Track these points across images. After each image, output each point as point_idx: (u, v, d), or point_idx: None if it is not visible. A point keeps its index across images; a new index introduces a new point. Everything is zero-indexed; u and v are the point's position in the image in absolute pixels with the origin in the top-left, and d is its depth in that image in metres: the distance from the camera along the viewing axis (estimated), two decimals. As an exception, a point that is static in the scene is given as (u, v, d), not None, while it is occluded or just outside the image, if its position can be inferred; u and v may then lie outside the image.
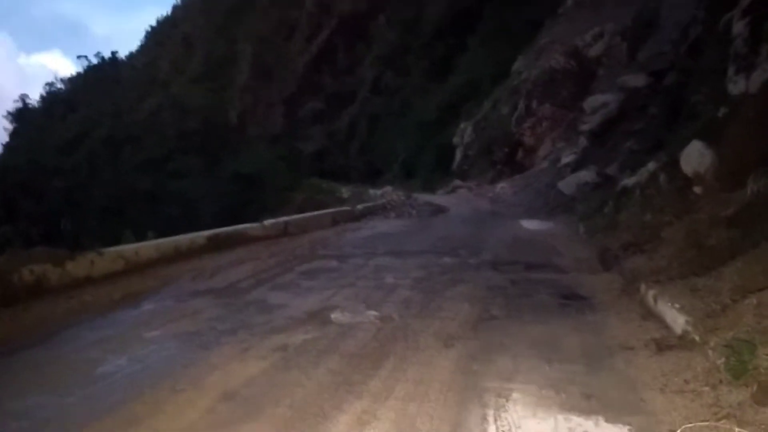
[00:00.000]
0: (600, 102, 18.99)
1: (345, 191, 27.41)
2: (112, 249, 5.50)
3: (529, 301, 4.70)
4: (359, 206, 12.94)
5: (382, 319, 4.09)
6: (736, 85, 6.96)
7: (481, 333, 3.76)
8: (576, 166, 16.81)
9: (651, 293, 4.28)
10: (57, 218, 41.66)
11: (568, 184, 15.61)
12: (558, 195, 15.65)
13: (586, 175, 15.19)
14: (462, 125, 28.00)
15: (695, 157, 6.75)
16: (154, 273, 5.54)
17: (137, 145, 53.75)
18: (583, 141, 18.30)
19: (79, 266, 5.05)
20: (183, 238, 6.53)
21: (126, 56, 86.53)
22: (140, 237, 8.42)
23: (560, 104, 22.88)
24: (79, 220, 43.22)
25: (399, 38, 41.04)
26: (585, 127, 18.52)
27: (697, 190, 6.60)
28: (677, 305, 3.76)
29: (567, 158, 18.49)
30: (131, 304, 4.65)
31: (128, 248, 5.72)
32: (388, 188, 21.57)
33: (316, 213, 10.53)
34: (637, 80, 17.75)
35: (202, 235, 6.80)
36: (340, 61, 50.29)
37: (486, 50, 31.17)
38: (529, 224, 11.55)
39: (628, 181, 8.85)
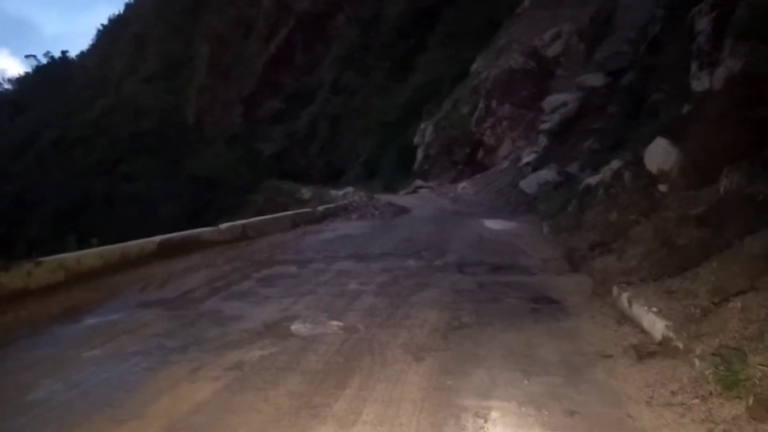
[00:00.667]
0: (559, 101, 19.12)
1: (306, 192, 26.98)
2: (52, 258, 5.06)
3: (499, 306, 4.50)
4: (320, 208, 12.62)
5: (346, 330, 3.82)
6: (700, 82, 6.94)
7: (453, 343, 3.53)
8: (537, 165, 16.86)
9: (625, 296, 4.13)
10: (7, 224, 40.00)
11: (529, 184, 15.63)
12: (520, 194, 15.67)
13: (547, 174, 15.23)
14: (422, 125, 27.87)
15: (660, 154, 6.70)
16: (99, 283, 5.12)
17: (89, 146, 52.17)
18: (543, 140, 18.39)
19: (14, 278, 4.61)
20: (131, 245, 6.11)
21: (77, 56, 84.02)
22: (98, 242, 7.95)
23: (520, 104, 22.99)
24: (30, 225, 41.66)
25: (358, 37, 40.80)
26: (544, 127, 18.60)
27: (662, 188, 6.54)
28: (654, 309, 3.61)
29: (527, 157, 18.55)
30: (71, 319, 4.25)
31: (70, 257, 5.26)
32: (350, 189, 21.27)
33: (275, 215, 10.16)
34: (595, 79, 17.92)
35: (152, 241, 6.38)
36: (300, 61, 49.67)
37: (446, 50, 31.18)
38: (493, 224, 11.44)
39: (591, 179, 8.80)
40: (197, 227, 9.20)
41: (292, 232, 9.78)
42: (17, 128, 63.71)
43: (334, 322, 3.97)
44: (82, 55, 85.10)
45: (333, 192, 21.26)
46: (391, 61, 36.24)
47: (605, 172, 8.04)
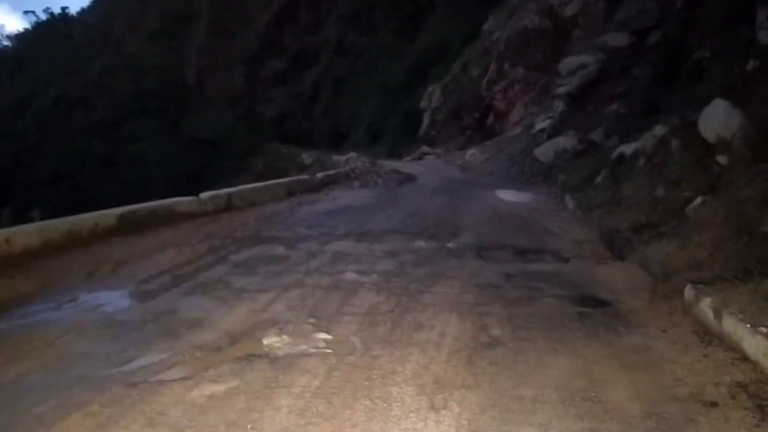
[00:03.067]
0: (577, 64, 17.78)
1: (307, 157, 25.94)
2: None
3: (536, 309, 3.48)
4: (319, 175, 11.57)
5: (336, 347, 2.83)
6: (770, 33, 5.79)
7: (483, 375, 2.53)
8: (553, 132, 15.66)
9: (706, 302, 3.11)
10: (5, 183, 39.10)
11: (545, 152, 14.47)
12: (534, 163, 14.53)
13: (565, 141, 14.05)
14: (430, 88, 26.64)
15: (719, 119, 5.59)
16: (35, 269, 4.12)
17: (90, 106, 51.08)
18: (559, 105, 17.11)
19: None
20: (82, 219, 5.08)
21: (77, 12, 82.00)
22: (93, 205, 6.97)
23: (534, 67, 21.69)
24: (27, 186, 40.72)
25: (364, -5, 39.03)
26: (561, 90, 17.32)
27: (721, 159, 5.45)
28: (764, 329, 2.59)
29: (542, 123, 17.31)
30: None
31: (-3, 235, 4.24)
32: (353, 154, 20.17)
33: (267, 183, 9.12)
34: (618, 39, 16.59)
35: (111, 214, 5.36)
36: (303, 20, 47.92)
37: (456, 8, 29.61)
38: (507, 195, 10.39)
39: (626, 148, 7.70)
40: (195, 192, 8.21)
41: (287, 201, 8.76)
42: (17, 86, 62.50)
43: (322, 335, 2.97)
44: (83, 11, 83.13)
45: (335, 157, 20.20)
46: (398, 20, 34.67)
47: (646, 140, 6.94)
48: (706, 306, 3.12)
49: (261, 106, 45.24)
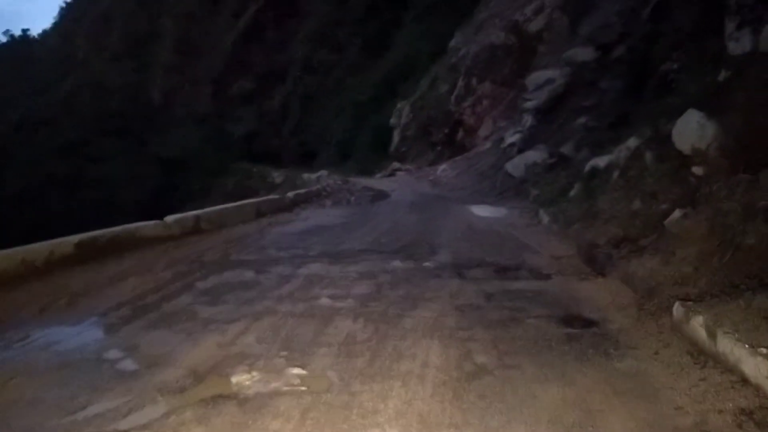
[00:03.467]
0: (544, 78, 17.97)
1: (277, 176, 25.71)
2: None
3: (521, 332, 3.32)
4: (290, 194, 11.32)
5: (311, 384, 2.61)
6: (739, 43, 5.80)
7: (471, 410, 2.34)
8: (523, 146, 15.73)
9: (698, 321, 2.99)
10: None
11: (516, 166, 14.49)
12: (505, 177, 14.54)
13: (536, 155, 14.11)
14: (399, 105, 26.67)
15: (693, 130, 5.56)
16: (-18, 304, 3.83)
17: (54, 128, 49.89)
18: (527, 119, 17.24)
19: None
20: (37, 248, 4.76)
21: (39, 35, 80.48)
22: (58, 230, 6.65)
23: (501, 82, 21.89)
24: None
25: (331, 13, 39.06)
26: (530, 105, 17.46)
27: (697, 170, 5.41)
28: (764, 349, 2.46)
29: (512, 138, 17.40)
30: None
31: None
32: (324, 172, 20.06)
33: (236, 204, 8.85)
34: (584, 54, 16.80)
35: (68, 242, 5.04)
36: (270, 38, 47.69)
37: (422, 25, 29.81)
38: (481, 210, 10.31)
39: (599, 161, 7.67)
40: (162, 213, 7.90)
41: (256, 223, 8.51)
42: (-24, 110, 60.84)
43: (295, 370, 2.75)
44: (45, 33, 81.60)
45: (306, 175, 20.07)
46: (364, 37, 34.73)
47: (620, 152, 6.91)
48: (698, 325, 2.99)
49: (229, 125, 44.73)
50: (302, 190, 12.56)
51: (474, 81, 22.46)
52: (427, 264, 5.35)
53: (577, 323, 3.49)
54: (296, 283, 4.58)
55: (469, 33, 25.33)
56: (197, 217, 7.12)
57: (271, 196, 10.55)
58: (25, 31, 76.62)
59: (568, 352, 2.96)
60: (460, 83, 22.93)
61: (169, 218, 6.61)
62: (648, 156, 6.23)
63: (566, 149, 12.14)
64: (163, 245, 6.04)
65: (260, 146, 39.95)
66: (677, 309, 3.27)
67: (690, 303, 3.25)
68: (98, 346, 3.22)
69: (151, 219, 6.99)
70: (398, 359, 2.87)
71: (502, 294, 4.23)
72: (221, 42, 50.92)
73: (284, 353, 2.98)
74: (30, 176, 42.63)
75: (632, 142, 6.76)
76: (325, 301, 3.99)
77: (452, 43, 25.83)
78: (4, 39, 76.50)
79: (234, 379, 2.66)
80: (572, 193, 8.11)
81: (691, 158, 5.55)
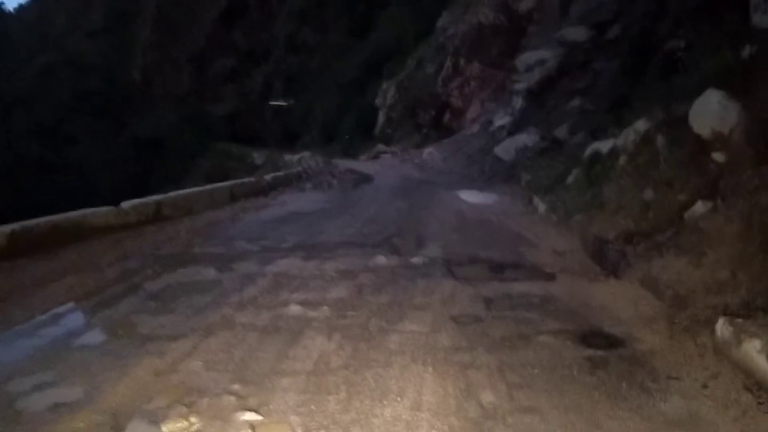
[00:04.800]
0: (535, 59, 17.33)
1: (258, 157, 24.93)
2: None
3: (532, 355, 2.70)
4: (267, 176, 10.59)
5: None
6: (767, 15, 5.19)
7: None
8: (513, 129, 15.14)
9: (754, 345, 2.39)
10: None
11: (505, 149, 13.89)
12: (495, 161, 13.93)
13: (527, 138, 13.51)
14: (384, 85, 25.88)
15: (713, 112, 4.95)
16: None
17: (28, 107, 48.28)
18: (517, 101, 16.61)
19: None
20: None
21: (15, 9, 77.80)
22: (29, 216, 5.93)
23: (490, 63, 21.24)
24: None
25: (315, -10, 37.92)
26: (520, 87, 16.81)
27: (717, 157, 4.81)
28: None
29: (501, 120, 16.79)
30: None
31: None
32: (306, 154, 19.25)
33: (205, 188, 8.12)
34: (577, 34, 16.18)
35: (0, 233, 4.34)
36: (253, 17, 46.38)
37: (408, 4, 28.89)
38: (470, 196, 9.68)
39: (601, 145, 7.05)
40: (138, 197, 7.17)
41: (229, 208, 7.81)
42: (-54, 87, 58.73)
43: (248, 415, 2.09)
44: (20, 8, 78.91)
45: (288, 157, 19.29)
46: (349, 16, 33.76)
47: (627, 136, 6.29)
48: (754, 350, 2.40)
49: (210, 105, 43.62)
50: (281, 173, 11.84)
51: (462, 62, 21.79)
52: (414, 260, 4.71)
53: (599, 342, 2.87)
54: (262, 284, 3.91)
55: (457, 12, 24.55)
56: (159, 203, 6.40)
57: (246, 179, 9.80)
58: (-1, 4, 73.94)
59: (595, 386, 2.35)
60: (448, 64, 22.24)
61: (126, 204, 5.89)
62: (660, 140, 5.62)
63: (560, 132, 11.51)
64: (115, 235, 5.33)
65: (242, 127, 38.99)
66: (723, 327, 2.66)
67: (739, 320, 2.65)
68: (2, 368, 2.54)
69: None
70: (382, 398, 2.23)
71: (502, 299, 3.61)
72: (203, 19, 49.47)
73: (236, 386, 2.33)
74: (1, 157, 41.26)
75: (641, 125, 6.14)
76: (294, 309, 3.33)
77: (439, 22, 25.08)
78: (-24, 13, 73.92)
79: (165, 429, 2.00)
80: (570, 179, 7.50)
81: (711, 143, 4.94)
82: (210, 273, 4.21)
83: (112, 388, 2.32)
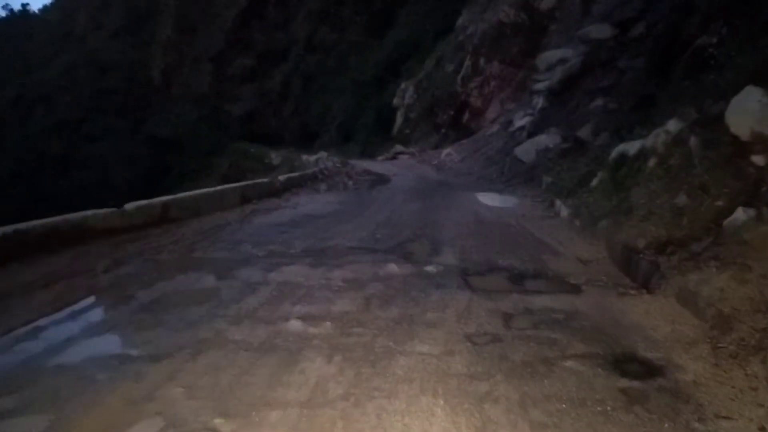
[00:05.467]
0: (557, 58, 16.90)
1: (275, 157, 24.82)
2: None
3: (559, 386, 2.37)
4: (281, 177, 10.34)
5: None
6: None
7: None
8: (533, 130, 14.74)
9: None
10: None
11: (526, 151, 13.52)
12: (514, 163, 13.57)
13: (548, 139, 13.13)
14: (403, 85, 25.58)
15: (753, 111, 4.57)
16: None
17: (50, 105, 48.91)
18: (538, 101, 16.19)
19: None
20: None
21: (39, 9, 79.00)
22: (48, 210, 5.85)
23: (510, 62, 20.83)
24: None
25: (334, -10, 37.70)
26: (541, 86, 16.39)
27: (757, 160, 4.43)
28: None
29: (521, 121, 16.39)
30: None
31: None
32: (323, 154, 19.04)
33: (216, 189, 7.88)
34: (600, 32, 15.72)
35: (-12, 237, 4.12)
36: (271, 16, 46.35)
37: (427, 3, 28.57)
38: (488, 199, 9.35)
39: (628, 146, 6.66)
40: (156, 193, 7.01)
41: (239, 210, 7.56)
42: (-26, 85, 59.71)
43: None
44: (45, 9, 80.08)
45: (305, 157, 19.10)
46: (368, 15, 33.49)
47: (657, 137, 5.91)
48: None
49: (228, 105, 43.66)
50: (295, 174, 11.60)
51: (481, 61, 21.41)
52: (428, 268, 4.39)
53: (634, 369, 2.54)
54: (264, 294, 3.63)
55: (477, 10, 24.17)
56: (166, 204, 6.16)
57: (259, 180, 9.56)
58: (24, 5, 75.12)
59: (633, 427, 2.02)
60: (467, 63, 21.87)
61: (130, 206, 5.65)
62: (693, 141, 5.23)
63: (583, 133, 11.12)
64: (117, 238, 5.09)
65: (260, 126, 38.96)
66: (779, 357, 2.32)
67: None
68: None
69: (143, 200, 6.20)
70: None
71: (523, 315, 3.29)
72: (222, 19, 49.62)
73: (218, 420, 2.04)
74: (24, 154, 41.80)
75: (672, 126, 5.75)
76: (294, 324, 3.04)
77: (459, 21, 24.70)
78: (3, 13, 75.03)
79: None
80: (594, 182, 7.13)
81: (750, 145, 4.56)
82: (209, 281, 3.94)
83: (79, 420, 2.05)
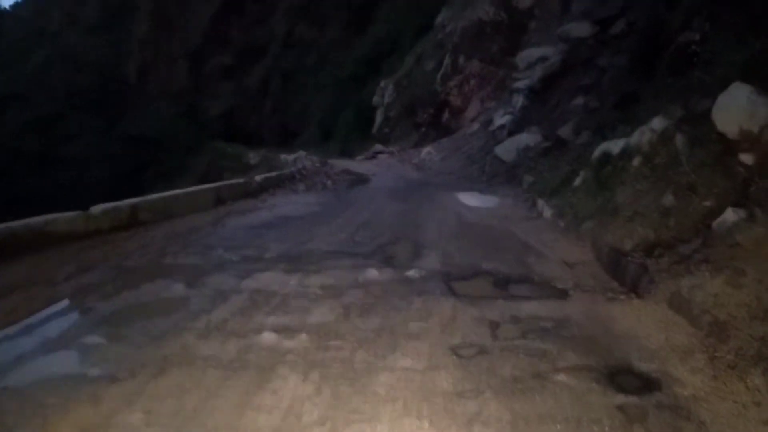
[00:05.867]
0: (536, 56, 16.86)
1: (253, 156, 24.51)
2: None
3: (552, 404, 2.21)
4: (258, 177, 10.07)
5: None
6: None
7: None
8: (513, 129, 14.66)
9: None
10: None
11: (506, 150, 13.42)
12: (495, 162, 13.46)
13: (529, 138, 13.05)
14: (382, 83, 25.38)
15: (741, 108, 4.46)
16: None
17: (24, 103, 47.78)
18: (518, 100, 16.11)
19: None
20: None
21: (10, 6, 77.10)
22: (24, 211, 5.59)
23: (490, 60, 20.76)
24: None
25: (313, -15, 37.39)
26: (521, 85, 16.32)
27: (746, 159, 4.33)
28: None
29: (501, 119, 16.30)
30: None
31: None
32: (302, 153, 18.78)
33: (189, 190, 7.60)
34: (581, 30, 15.68)
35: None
36: (250, 12, 45.81)
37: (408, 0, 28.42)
38: (470, 199, 9.20)
39: (611, 145, 6.54)
40: (131, 194, 6.72)
41: (213, 212, 7.31)
42: (-57, 83, 58.11)
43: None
44: (16, 4, 78.22)
45: (283, 156, 18.80)
46: (348, 11, 33.21)
47: (642, 135, 5.80)
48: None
49: (206, 102, 43.08)
50: (273, 173, 11.33)
51: (461, 59, 21.31)
52: (410, 273, 4.21)
53: (630, 383, 2.38)
54: (236, 303, 3.42)
55: (457, 8, 24.08)
56: (134, 207, 5.89)
57: (234, 180, 9.28)
58: (-6, 1, 73.42)
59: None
60: (447, 61, 21.76)
61: (96, 208, 5.38)
62: (680, 139, 5.12)
63: (564, 132, 11.03)
64: (80, 244, 4.82)
65: (239, 125, 38.51)
66: (784, 370, 2.18)
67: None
68: None
69: (120, 200, 5.96)
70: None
71: (511, 324, 3.12)
72: (199, 15, 48.93)
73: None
74: (-1, 152, 40.77)
75: (657, 123, 5.64)
76: (268, 337, 2.84)
77: (439, 18, 24.57)
78: (-27, 10, 73.15)
79: None
80: (577, 182, 7.01)
81: (738, 143, 4.46)
82: (178, 289, 3.70)
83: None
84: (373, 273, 4.16)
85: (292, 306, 3.38)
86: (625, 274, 3.99)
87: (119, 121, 41.44)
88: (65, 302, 3.38)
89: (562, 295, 3.76)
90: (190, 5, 49.45)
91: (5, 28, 70.64)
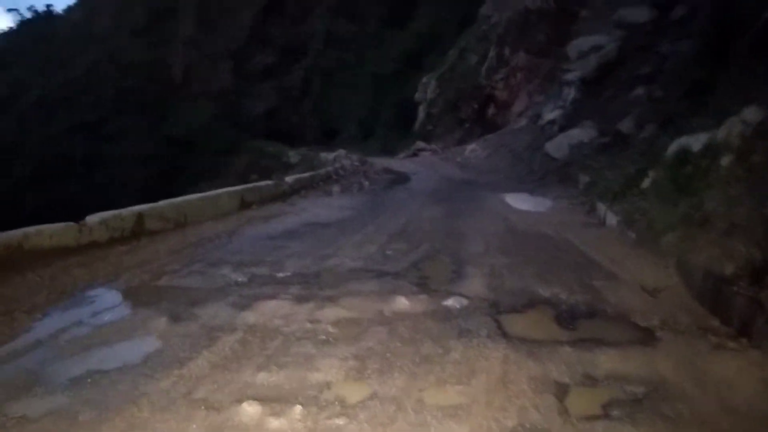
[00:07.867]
0: (589, 45, 15.68)
1: (293, 155, 24.03)
2: None
3: None
4: (289, 179, 9.38)
5: None
6: None
7: None
8: (565, 123, 13.58)
9: None
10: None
11: (557, 146, 12.40)
12: (545, 159, 12.46)
13: (582, 133, 12.01)
14: (424, 79, 24.49)
15: None
16: None
17: (72, 105, 48.88)
18: (569, 92, 14.99)
19: None
20: None
21: (63, 10, 79.48)
22: (64, 213, 5.18)
23: (537, 51, 19.67)
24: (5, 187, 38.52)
25: (353, -19, 36.76)
26: (572, 76, 15.18)
27: None
28: None
29: (551, 114, 15.22)
30: None
31: None
32: (341, 152, 18.11)
33: (210, 193, 6.93)
34: (638, 15, 14.51)
35: None
36: (291, 11, 45.62)
37: (449, -9, 27.46)
38: (519, 201, 8.29)
39: (691, 140, 5.53)
40: (167, 196, 6.18)
41: (235, 217, 6.64)
42: (-2, 86, 60.14)
43: None
44: (68, 9, 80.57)
45: (324, 155, 18.17)
46: (387, 6, 32.36)
47: (731, 128, 4.80)
48: None
49: (248, 102, 43.04)
50: (306, 174, 10.63)
51: (507, 51, 20.30)
52: (448, 302, 3.38)
53: None
54: (223, 348, 2.65)
55: (501, -2, 23.00)
56: (140, 215, 5.23)
57: (262, 182, 8.59)
58: (48, 6, 75.45)
59: None
60: (492, 54, 20.77)
61: (92, 218, 4.73)
62: (784, 134, 4.13)
63: (624, 126, 9.94)
64: (70, 260, 4.16)
65: (281, 124, 38.22)
66: None
67: None
68: None
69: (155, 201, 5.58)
70: None
71: (585, 389, 2.26)
72: (241, 16, 49.08)
73: None
74: (46, 155, 41.65)
75: (751, 115, 4.62)
76: (248, 411, 2.05)
77: (482, 10, 23.56)
78: (28, 15, 75.51)
79: None
80: (646, 183, 6.01)
81: None
82: (158, 326, 2.97)
83: None
84: (402, 302, 3.35)
85: (293, 354, 2.60)
86: (730, 310, 3.05)
87: (161, 122, 41.77)
88: (9, 360, 2.67)
89: (648, 338, 2.86)
90: (233, 5, 49.63)
91: (57, 32, 72.76)
